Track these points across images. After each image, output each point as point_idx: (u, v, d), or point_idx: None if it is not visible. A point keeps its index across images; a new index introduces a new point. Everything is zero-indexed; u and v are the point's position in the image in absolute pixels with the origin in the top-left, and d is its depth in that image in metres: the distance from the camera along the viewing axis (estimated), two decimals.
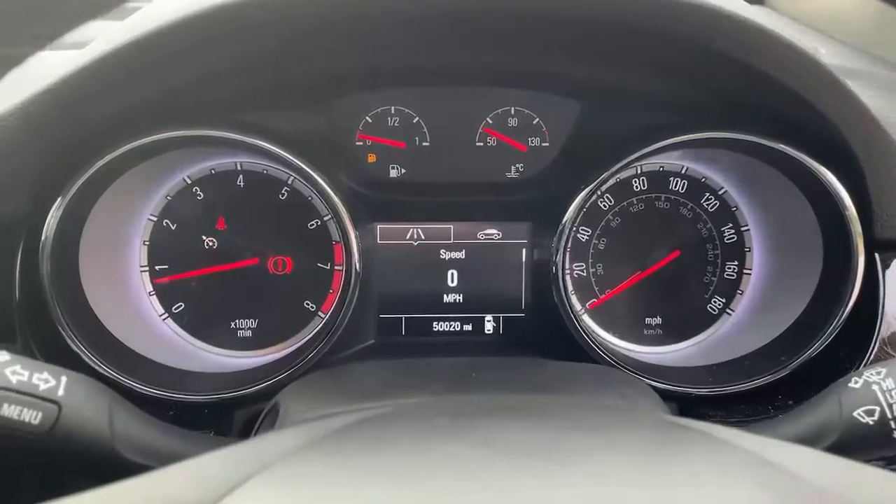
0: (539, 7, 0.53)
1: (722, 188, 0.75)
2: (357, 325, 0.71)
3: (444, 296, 0.75)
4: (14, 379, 0.41)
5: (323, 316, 0.74)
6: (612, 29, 0.57)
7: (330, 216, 0.72)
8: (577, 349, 0.69)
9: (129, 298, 0.70)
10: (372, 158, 0.73)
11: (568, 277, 0.72)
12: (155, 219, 0.71)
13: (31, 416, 0.40)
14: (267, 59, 0.57)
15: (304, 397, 0.51)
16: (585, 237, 0.75)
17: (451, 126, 0.73)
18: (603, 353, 0.68)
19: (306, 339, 0.73)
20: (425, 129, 0.73)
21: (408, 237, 0.74)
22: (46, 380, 0.42)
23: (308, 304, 0.74)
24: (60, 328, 0.61)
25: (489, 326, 0.76)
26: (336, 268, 0.73)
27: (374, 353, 0.73)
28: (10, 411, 0.40)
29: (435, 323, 0.75)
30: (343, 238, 0.69)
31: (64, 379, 0.42)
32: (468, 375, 0.52)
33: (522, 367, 0.57)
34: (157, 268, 0.72)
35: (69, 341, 0.60)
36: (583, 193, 0.67)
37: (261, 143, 0.63)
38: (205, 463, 0.32)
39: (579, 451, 0.31)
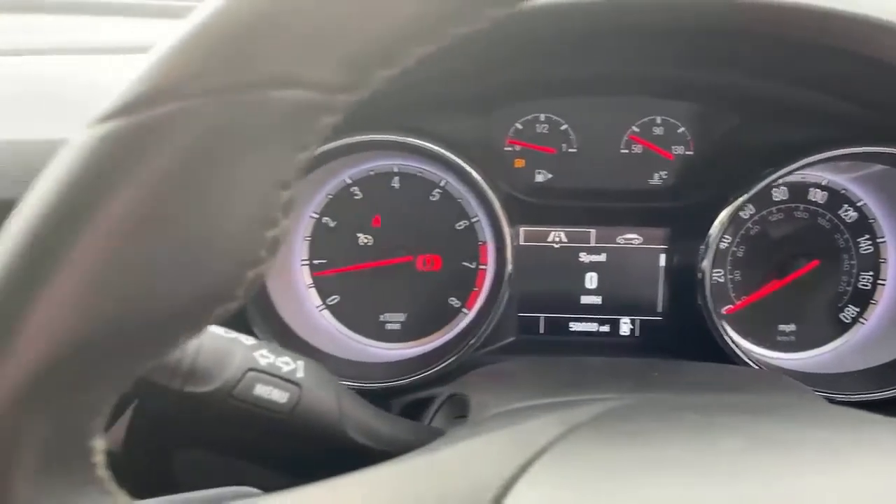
0: (738, 21, 0.55)
1: (861, 200, 0.76)
2: (499, 322, 0.74)
3: (583, 297, 0.78)
4: (263, 361, 0.45)
5: (467, 312, 0.77)
6: (783, 42, 0.59)
7: (477, 218, 0.76)
8: (716, 353, 0.71)
9: (295, 290, 0.75)
10: (520, 163, 0.76)
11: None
12: (316, 216, 0.76)
13: (279, 396, 0.44)
14: (466, 69, 0.61)
15: (490, 389, 0.54)
16: (725, 244, 0.77)
17: (598, 133, 0.76)
18: (744, 357, 0.70)
19: (453, 334, 0.76)
20: (572, 136, 0.76)
21: (549, 239, 0.77)
22: (287, 363, 0.46)
23: (453, 301, 0.77)
24: (249, 315, 0.65)
25: (625, 328, 0.78)
26: (481, 267, 0.77)
27: (514, 349, 0.77)
28: (261, 391, 0.44)
29: (572, 323, 0.78)
30: (496, 239, 0.72)
31: (301, 363, 0.46)
32: (648, 375, 0.55)
33: (692, 369, 0.60)
34: (315, 262, 0.76)
35: (256, 328, 0.65)
36: (736, 203, 0.69)
37: (441, 150, 0.67)
38: (485, 444, 0.35)
39: (830, 446, 0.33)
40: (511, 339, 0.77)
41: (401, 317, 0.77)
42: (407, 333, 0.77)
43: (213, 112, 0.25)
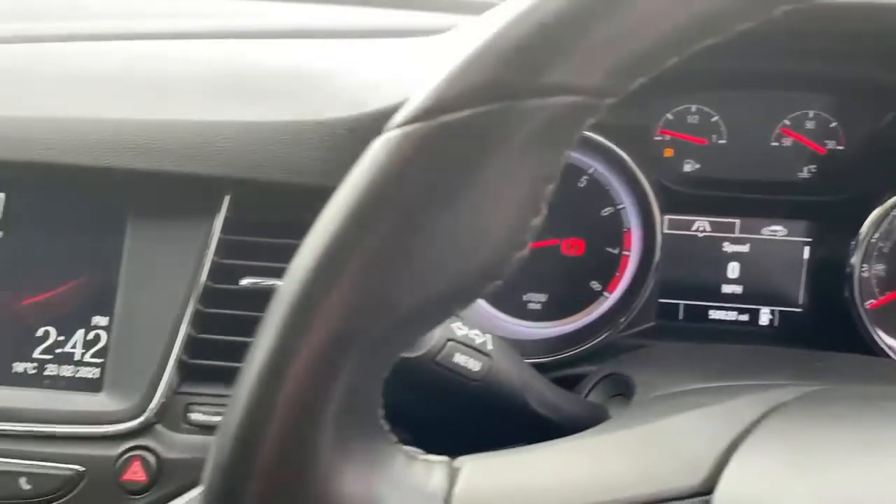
0: None
1: None
2: (640, 307, 0.77)
3: (724, 286, 0.79)
4: (459, 332, 0.49)
5: (608, 296, 0.80)
6: None
7: (623, 205, 0.78)
8: (857, 346, 0.72)
9: None
10: (669, 153, 0.78)
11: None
12: None
13: (474, 365, 0.49)
14: None
15: (653, 371, 0.57)
16: (874, 239, 0.77)
17: (749, 125, 0.77)
18: (888, 350, 0.71)
19: (594, 317, 0.80)
20: (723, 128, 0.77)
21: (693, 228, 0.79)
22: (478, 335, 0.50)
23: (594, 285, 0.80)
24: None
25: (765, 318, 0.80)
26: (624, 253, 0.79)
27: (652, 334, 0.79)
28: (459, 359, 0.48)
29: (711, 311, 0.80)
30: (643, 226, 0.75)
31: (489, 336, 0.51)
32: (805, 363, 0.57)
33: (848, 361, 0.61)
34: None
35: None
36: (891, 201, 0.69)
37: (598, 137, 0.70)
38: (693, 419, 0.38)
39: None
40: (650, 324, 0.80)
41: (543, 297, 0.81)
42: (547, 313, 0.81)
43: (500, 117, 0.29)
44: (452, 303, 0.31)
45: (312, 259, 0.30)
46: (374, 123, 0.62)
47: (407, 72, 0.65)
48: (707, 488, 0.33)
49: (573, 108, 0.30)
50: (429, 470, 0.32)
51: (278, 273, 0.64)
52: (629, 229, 0.79)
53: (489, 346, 0.50)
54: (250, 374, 0.30)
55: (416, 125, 0.30)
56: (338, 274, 0.30)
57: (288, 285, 0.30)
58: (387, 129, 0.31)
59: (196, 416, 0.63)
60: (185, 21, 0.84)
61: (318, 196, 0.65)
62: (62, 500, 0.61)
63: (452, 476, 0.32)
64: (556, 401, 0.53)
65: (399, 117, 0.31)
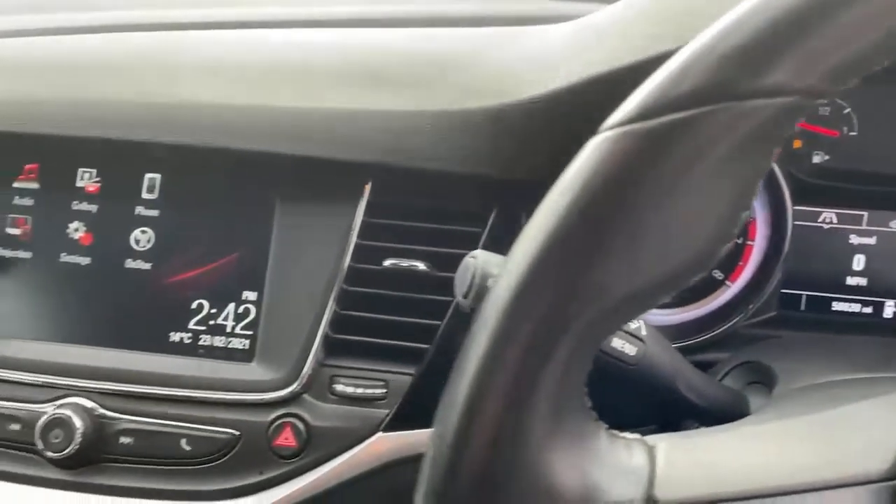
0: None
1: None
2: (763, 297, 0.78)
3: (848, 278, 0.79)
4: None
5: (730, 285, 0.81)
6: None
7: None
8: None
9: None
10: (798, 144, 0.78)
11: None
12: None
13: (630, 349, 0.51)
14: None
15: (792, 361, 0.58)
16: None
17: (881, 118, 0.76)
18: None
19: (715, 305, 0.80)
20: (854, 120, 0.76)
21: (819, 220, 0.78)
22: (633, 321, 0.52)
23: (716, 274, 0.81)
24: None
25: (889, 311, 0.79)
26: (748, 242, 0.80)
27: (774, 324, 0.80)
28: (617, 343, 0.50)
29: (834, 302, 0.80)
30: (773, 216, 0.75)
31: (642, 322, 0.52)
32: None
33: None
34: None
35: None
36: None
37: None
38: (872, 408, 0.40)
39: None
40: (772, 313, 0.80)
41: None
42: (670, 301, 0.82)
43: (722, 117, 0.31)
44: (660, 293, 0.33)
45: (533, 250, 0.32)
46: (519, 113, 0.64)
47: (547, 61, 0.67)
48: (893, 474, 0.35)
49: (791, 108, 0.31)
50: (629, 448, 0.35)
51: (418, 255, 0.68)
52: (754, 219, 0.79)
53: (643, 332, 0.51)
54: (469, 361, 0.33)
55: (639, 124, 0.32)
56: (557, 265, 0.32)
57: (508, 276, 0.33)
58: (606, 128, 0.33)
59: (340, 388, 0.67)
60: (318, 9, 0.87)
61: (459, 183, 0.68)
62: (219, 462, 0.66)
63: (651, 454, 0.34)
64: (702, 386, 0.54)
65: (619, 116, 0.33)
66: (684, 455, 0.35)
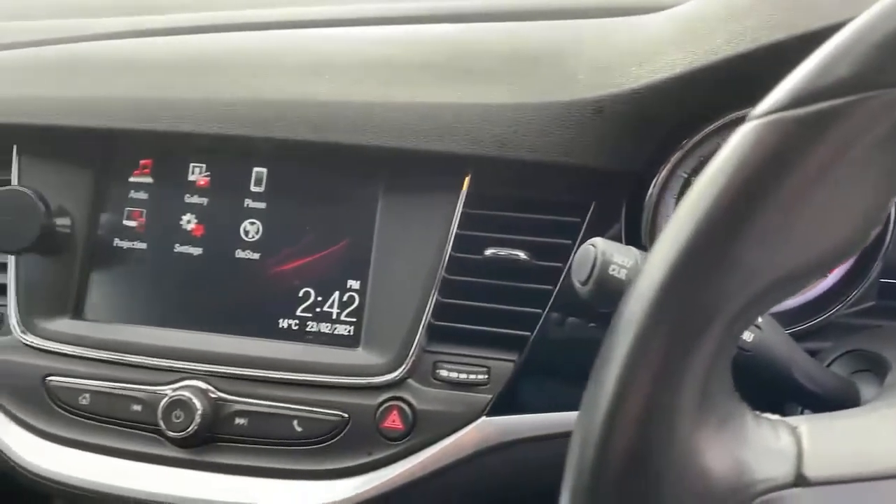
0: None
1: None
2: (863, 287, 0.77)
3: None
4: None
5: (828, 274, 0.80)
6: None
7: None
8: None
9: None
10: None
11: None
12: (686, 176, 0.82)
13: (747, 335, 0.51)
14: None
15: None
16: None
17: None
18: None
19: (812, 295, 0.80)
20: None
21: None
22: None
23: None
24: None
25: None
26: None
27: (873, 313, 0.79)
28: None
29: None
30: None
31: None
32: None
33: None
34: None
35: None
36: None
37: None
38: None
39: None
40: (871, 303, 0.79)
41: None
42: None
43: (873, 105, 0.32)
44: (808, 277, 0.34)
45: (684, 235, 0.33)
46: (621, 104, 0.65)
47: (648, 52, 0.67)
48: None
49: None
50: (774, 429, 0.36)
51: (518, 244, 0.69)
52: None
53: (759, 319, 0.52)
54: (618, 345, 0.34)
55: (790, 112, 0.32)
56: (709, 250, 0.33)
57: (658, 260, 0.34)
58: (756, 116, 0.34)
59: (444, 373, 0.69)
60: (403, 4, 0.89)
61: (560, 173, 0.69)
62: (330, 443, 0.69)
63: (796, 435, 0.35)
64: (815, 373, 0.54)
65: (769, 104, 0.33)
66: (829, 435, 0.36)
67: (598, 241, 0.50)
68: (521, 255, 0.69)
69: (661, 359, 0.33)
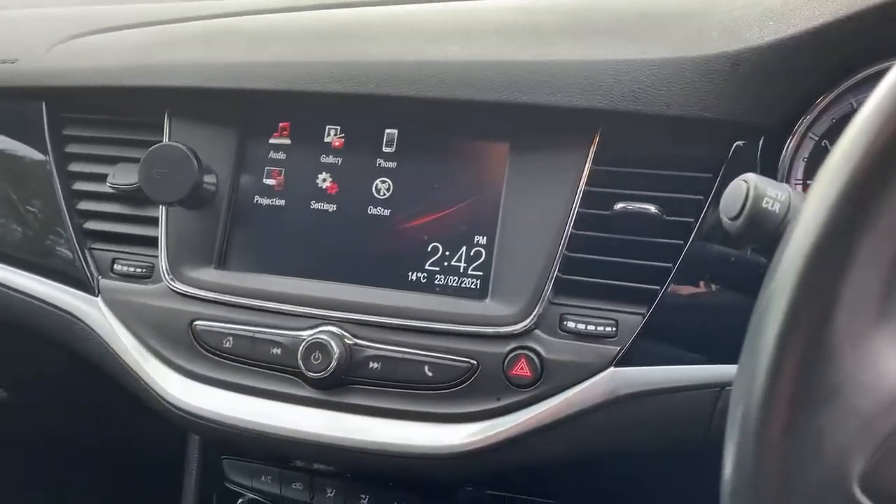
0: None
1: None
2: None
3: None
4: None
5: None
6: None
7: None
8: None
9: None
10: None
11: None
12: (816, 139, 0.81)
13: None
14: None
15: None
16: None
17: None
18: None
19: None
20: None
21: None
22: None
23: None
24: None
25: None
26: None
27: None
28: None
29: None
30: None
31: None
32: None
33: None
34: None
35: None
36: None
37: None
38: None
39: None
40: None
41: None
42: None
43: None
44: None
45: (852, 164, 0.34)
46: (758, 57, 0.65)
47: (782, 6, 0.67)
48: None
49: None
50: None
51: (648, 200, 0.70)
52: None
53: None
54: (786, 274, 0.34)
55: None
56: (871, 177, 0.33)
57: (821, 194, 0.34)
58: None
59: (571, 325, 0.71)
60: None
61: (694, 128, 0.69)
62: (459, 388, 0.72)
63: None
64: None
65: None
66: None
67: (749, 175, 0.51)
68: (652, 209, 0.69)
69: (837, 273, 0.34)
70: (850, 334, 0.33)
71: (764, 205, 0.49)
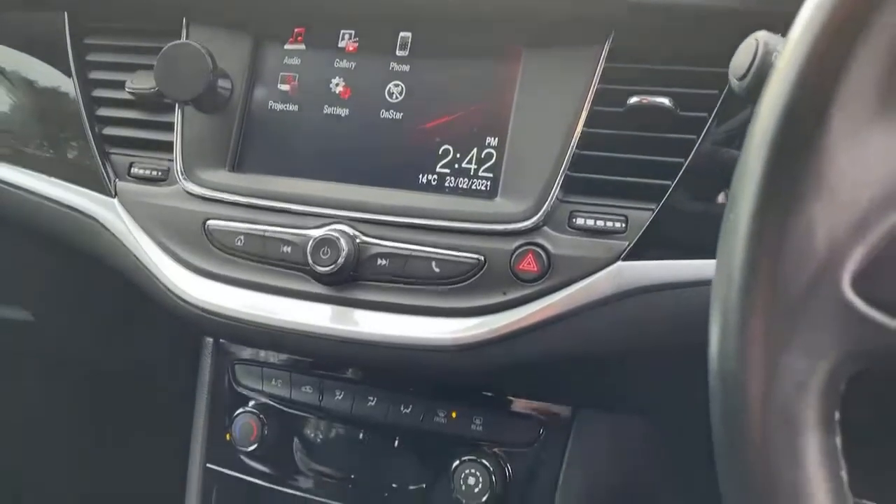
0: None
1: None
2: None
3: None
4: None
5: None
6: None
7: None
8: None
9: None
10: None
11: None
12: None
13: None
14: None
15: None
16: None
17: None
18: None
19: None
20: None
21: None
22: None
23: None
24: None
25: None
26: None
27: None
28: None
29: None
30: None
31: None
32: None
33: None
34: None
35: None
36: None
37: None
38: None
39: None
40: None
41: None
42: None
43: None
44: None
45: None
46: None
47: None
48: None
49: None
50: None
51: (662, 95, 0.69)
52: None
53: None
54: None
55: None
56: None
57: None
58: None
59: (580, 221, 0.70)
60: None
61: (713, 20, 0.68)
62: (466, 283, 0.72)
63: None
64: None
65: None
66: None
67: (761, 34, 0.50)
68: (666, 102, 0.68)
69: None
70: (845, 132, 0.33)
71: (773, 59, 0.48)
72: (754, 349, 0.33)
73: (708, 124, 0.68)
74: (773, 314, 0.32)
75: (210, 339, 0.95)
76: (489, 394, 0.84)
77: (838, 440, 0.33)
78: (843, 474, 0.33)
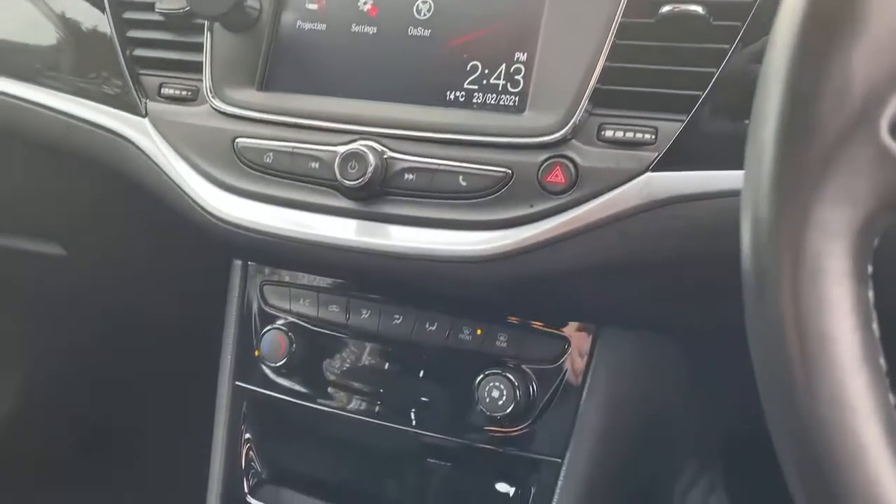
0: None
1: None
2: None
3: None
4: None
5: None
6: None
7: None
8: None
9: None
10: None
11: None
12: None
13: None
14: None
15: None
16: None
17: None
18: None
19: None
20: None
21: None
22: None
23: None
24: None
25: None
26: None
27: None
28: None
29: None
30: None
31: None
32: None
33: None
34: None
35: None
36: None
37: None
38: None
39: None
40: None
41: None
42: None
43: None
44: None
45: None
46: None
47: None
48: None
49: None
50: None
51: (694, 3, 0.67)
52: None
53: None
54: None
55: None
56: None
57: None
58: None
59: (609, 133, 0.70)
60: None
61: None
62: (493, 196, 0.72)
63: None
64: None
65: None
66: None
67: None
68: (700, 9, 0.67)
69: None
70: None
71: None
72: (787, 196, 0.33)
73: (741, 33, 0.66)
74: (808, 160, 0.32)
75: (238, 263, 0.97)
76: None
77: (871, 294, 0.33)
78: (875, 326, 0.33)
